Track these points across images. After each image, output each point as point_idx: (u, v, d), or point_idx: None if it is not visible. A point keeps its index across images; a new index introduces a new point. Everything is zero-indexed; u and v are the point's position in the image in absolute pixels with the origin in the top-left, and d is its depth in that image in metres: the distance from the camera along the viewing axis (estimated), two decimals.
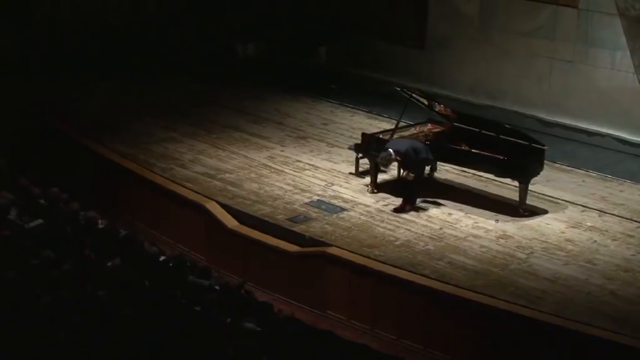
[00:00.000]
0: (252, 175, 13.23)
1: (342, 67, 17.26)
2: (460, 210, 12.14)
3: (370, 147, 12.68)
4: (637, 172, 13.41)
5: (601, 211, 12.21)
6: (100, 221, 9.95)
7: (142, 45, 17.33)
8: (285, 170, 13.42)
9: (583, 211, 12.25)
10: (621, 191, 12.87)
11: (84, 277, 8.25)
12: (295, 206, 12.30)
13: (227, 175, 13.25)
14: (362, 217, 12.03)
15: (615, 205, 12.41)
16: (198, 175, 13.18)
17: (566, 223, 11.91)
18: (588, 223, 11.90)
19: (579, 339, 9.36)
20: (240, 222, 11.88)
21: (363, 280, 10.63)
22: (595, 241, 11.44)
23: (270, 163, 13.64)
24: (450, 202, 12.36)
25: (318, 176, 13.22)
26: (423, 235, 11.55)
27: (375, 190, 12.66)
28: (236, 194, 12.61)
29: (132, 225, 11.72)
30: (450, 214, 12.10)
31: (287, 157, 13.90)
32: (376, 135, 12.97)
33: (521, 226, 11.76)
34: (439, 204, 12.29)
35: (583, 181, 13.24)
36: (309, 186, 12.91)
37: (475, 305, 9.93)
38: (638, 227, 11.77)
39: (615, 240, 11.46)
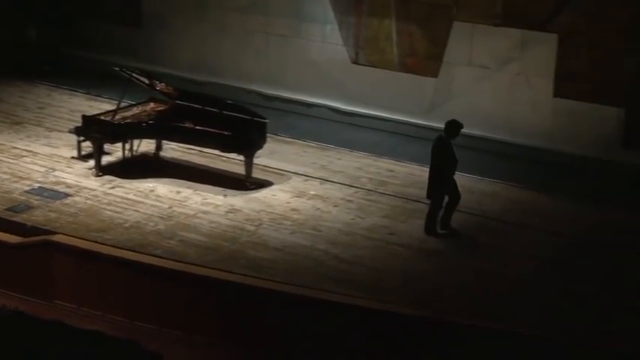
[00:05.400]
0: None
1: (56, 48, 16.60)
2: (188, 187, 12.17)
3: (91, 129, 12.35)
4: (352, 140, 14.15)
5: (322, 179, 12.76)
6: None
7: None
8: (1, 158, 12.78)
9: (306, 180, 12.74)
10: (339, 159, 13.53)
11: None
12: (14, 195, 11.78)
13: None
14: (88, 201, 11.73)
15: (334, 172, 13.03)
16: None
17: (291, 193, 12.33)
18: (311, 192, 12.40)
19: (309, 303, 9.73)
20: None
21: (89, 265, 10.36)
22: (318, 208, 11.94)
23: None
24: (178, 180, 12.36)
25: (37, 162, 12.75)
26: (152, 215, 11.46)
27: (100, 174, 12.39)
28: None
29: None
30: (178, 192, 12.09)
31: (2, 144, 13.27)
32: (97, 116, 12.67)
33: (248, 199, 12.01)
34: (167, 183, 12.24)
35: (304, 151, 13.76)
36: (28, 173, 12.42)
37: (208, 280, 10.01)
38: (356, 192, 12.44)
39: (336, 206, 12.03)
